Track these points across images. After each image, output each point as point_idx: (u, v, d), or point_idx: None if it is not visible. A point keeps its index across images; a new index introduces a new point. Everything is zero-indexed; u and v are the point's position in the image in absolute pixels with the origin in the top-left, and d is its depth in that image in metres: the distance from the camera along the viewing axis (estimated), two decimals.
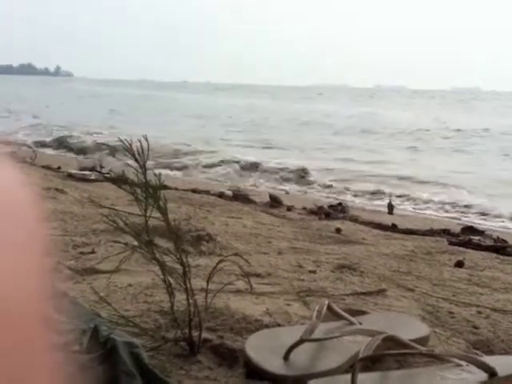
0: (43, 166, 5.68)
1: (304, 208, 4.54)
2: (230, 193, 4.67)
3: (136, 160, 1.48)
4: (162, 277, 1.56)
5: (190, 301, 1.55)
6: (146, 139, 1.50)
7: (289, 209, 4.46)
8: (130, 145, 1.48)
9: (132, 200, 1.59)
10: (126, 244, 1.54)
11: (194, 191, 4.63)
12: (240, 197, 4.59)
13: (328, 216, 4.20)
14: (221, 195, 4.55)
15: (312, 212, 4.37)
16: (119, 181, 1.58)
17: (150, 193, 1.49)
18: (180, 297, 1.65)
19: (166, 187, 4.71)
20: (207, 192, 4.68)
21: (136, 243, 1.57)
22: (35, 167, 5.55)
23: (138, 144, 1.51)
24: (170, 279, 1.56)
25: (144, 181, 1.51)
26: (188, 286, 1.54)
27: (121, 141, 1.48)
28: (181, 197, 4.12)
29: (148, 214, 1.54)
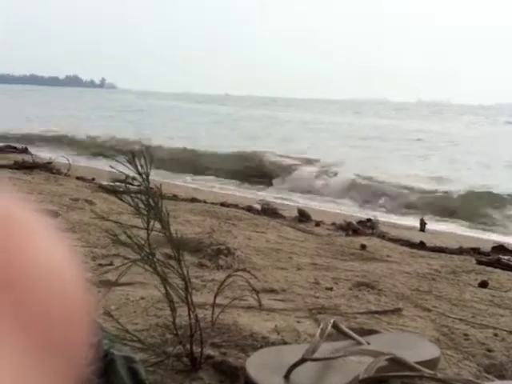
0: (77, 178, 5.75)
1: (333, 223, 4.50)
2: (258, 206, 4.66)
3: (138, 172, 1.48)
4: (164, 291, 1.54)
5: (192, 316, 1.53)
6: (148, 150, 1.50)
7: (317, 224, 4.42)
8: (133, 157, 1.48)
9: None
10: (126, 258, 1.53)
11: (223, 204, 4.63)
12: (268, 211, 4.57)
13: (356, 232, 4.15)
14: (249, 209, 4.54)
15: (340, 227, 4.32)
16: (123, 192, 1.58)
17: (152, 206, 1.48)
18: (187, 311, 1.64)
19: (193, 200, 4.73)
20: (236, 205, 4.67)
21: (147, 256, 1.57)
22: (69, 178, 5.63)
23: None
24: (173, 293, 1.55)
25: (146, 193, 1.50)
26: (189, 300, 1.53)
27: (124, 153, 1.48)
28: (208, 210, 4.12)
29: (154, 226, 1.53)
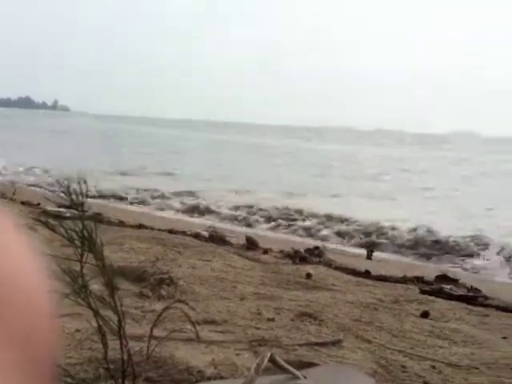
0: (22, 202, 5.64)
1: (281, 251, 4.49)
2: (206, 233, 4.63)
3: (72, 202, 1.45)
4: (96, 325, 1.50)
5: (124, 350, 1.50)
6: (85, 182, 1.47)
7: (265, 252, 4.41)
8: (68, 187, 1.45)
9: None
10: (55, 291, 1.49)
11: (171, 231, 4.59)
12: (216, 238, 4.55)
13: (303, 260, 4.16)
14: (196, 236, 4.51)
15: (288, 255, 4.32)
16: (65, 218, 1.54)
17: (86, 237, 1.45)
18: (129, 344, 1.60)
19: (141, 226, 4.67)
20: (183, 232, 4.63)
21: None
22: (14, 203, 5.51)
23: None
24: (106, 327, 1.51)
25: (81, 225, 1.47)
26: (122, 334, 1.49)
27: (58, 182, 1.45)
28: (155, 237, 4.07)
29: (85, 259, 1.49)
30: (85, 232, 1.47)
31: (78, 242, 1.48)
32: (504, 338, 2.44)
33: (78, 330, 2.00)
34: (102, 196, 8.55)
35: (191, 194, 9.48)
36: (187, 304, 1.78)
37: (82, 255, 1.49)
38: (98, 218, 4.11)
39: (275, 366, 1.64)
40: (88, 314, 2.19)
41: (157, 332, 1.65)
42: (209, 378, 1.66)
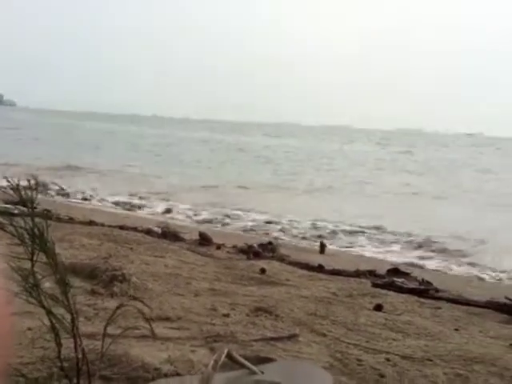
0: None
1: (234, 246, 4.49)
2: (158, 230, 4.58)
3: (23, 200, 1.40)
4: (50, 323, 1.46)
5: (78, 349, 1.46)
6: (36, 179, 1.42)
7: (218, 247, 4.40)
8: (18, 185, 1.40)
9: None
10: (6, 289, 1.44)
11: (122, 227, 4.53)
12: (168, 234, 4.51)
13: (257, 255, 4.16)
14: (148, 232, 4.46)
15: (241, 251, 4.31)
16: (15, 215, 1.49)
17: (37, 235, 1.41)
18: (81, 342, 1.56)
19: (91, 223, 4.60)
20: (135, 228, 4.58)
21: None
22: None
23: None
24: (59, 326, 1.47)
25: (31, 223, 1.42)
26: (76, 333, 1.46)
27: (8, 181, 1.40)
28: (105, 233, 4.01)
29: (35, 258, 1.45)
30: (35, 230, 1.43)
31: (28, 240, 1.43)
32: (456, 329, 2.48)
33: (29, 329, 1.94)
34: None
35: None
36: (142, 301, 1.75)
37: (32, 253, 1.44)
38: (47, 215, 4.03)
39: (232, 362, 1.62)
40: (40, 312, 2.14)
41: (110, 330, 1.61)
42: (165, 375, 1.63)
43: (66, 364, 1.55)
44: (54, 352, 1.74)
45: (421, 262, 5.69)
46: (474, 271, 5.63)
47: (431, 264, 5.73)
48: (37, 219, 1.44)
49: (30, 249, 1.42)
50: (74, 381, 1.49)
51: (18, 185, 1.40)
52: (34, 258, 1.43)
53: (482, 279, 5.27)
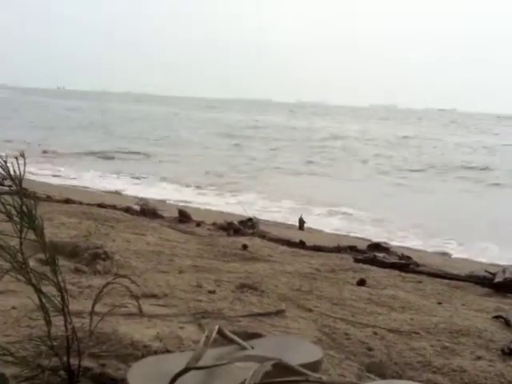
0: None
1: (214, 223, 4.48)
2: (137, 207, 4.55)
3: (11, 178, 1.37)
4: (38, 302, 1.44)
5: (68, 326, 1.45)
6: (23, 155, 1.39)
7: (198, 224, 4.38)
8: (5, 162, 1.37)
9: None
10: None
11: (100, 206, 4.49)
12: (148, 212, 4.48)
13: (237, 232, 4.15)
14: (127, 210, 4.43)
15: (221, 228, 4.30)
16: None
17: (25, 213, 1.38)
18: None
19: (68, 201, 4.55)
20: (114, 207, 4.54)
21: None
22: None
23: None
24: (48, 304, 1.45)
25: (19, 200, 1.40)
26: (66, 311, 1.44)
27: None
28: (84, 212, 3.96)
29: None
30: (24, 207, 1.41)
31: (16, 218, 1.41)
32: (439, 303, 2.51)
33: (14, 308, 1.92)
34: None
35: None
36: (129, 278, 1.74)
37: (21, 231, 1.42)
38: (24, 193, 3.94)
39: (223, 338, 1.62)
40: (24, 291, 2.12)
41: (96, 308, 1.60)
42: (155, 352, 1.62)
43: (54, 343, 1.53)
44: (40, 331, 1.72)
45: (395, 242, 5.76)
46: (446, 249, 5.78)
47: (405, 243, 5.81)
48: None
49: (18, 226, 1.39)
50: (64, 359, 1.47)
51: (5, 161, 1.37)
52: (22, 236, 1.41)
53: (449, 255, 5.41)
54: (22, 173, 1.41)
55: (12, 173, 1.39)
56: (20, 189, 1.40)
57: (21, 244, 1.41)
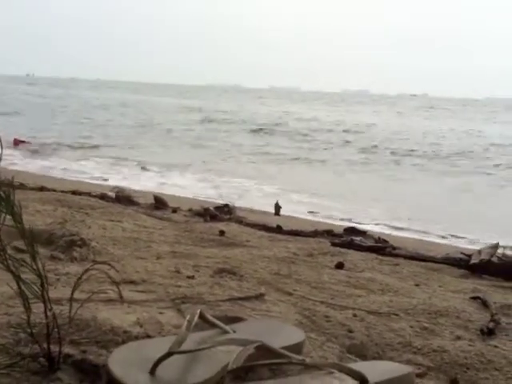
0: None
1: (190, 210, 4.47)
2: (112, 194, 4.52)
3: None
4: (16, 288, 1.42)
5: (48, 313, 1.43)
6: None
7: (174, 210, 4.37)
8: None
9: None
10: None
11: (74, 193, 4.44)
12: (123, 199, 4.45)
13: (214, 218, 4.14)
14: (102, 197, 4.39)
15: (198, 214, 4.30)
16: None
17: (2, 198, 1.35)
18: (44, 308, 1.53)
19: (42, 189, 4.50)
20: (88, 194, 4.50)
21: None
22: None
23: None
24: (27, 291, 1.43)
25: None
26: (46, 297, 1.42)
27: None
28: (58, 199, 3.92)
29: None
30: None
31: None
32: (417, 285, 2.53)
33: None
34: None
35: None
36: (109, 264, 1.72)
37: None
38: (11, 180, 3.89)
39: (204, 322, 1.62)
40: (1, 278, 2.08)
41: (74, 295, 1.57)
42: (136, 338, 1.61)
43: (34, 330, 1.51)
44: (18, 318, 1.70)
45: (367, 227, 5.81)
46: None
47: (377, 228, 5.87)
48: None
49: None
50: (44, 346, 1.45)
51: None
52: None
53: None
54: None
55: None
56: None
57: None
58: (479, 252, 3.11)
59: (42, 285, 1.42)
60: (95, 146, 15.36)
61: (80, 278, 1.55)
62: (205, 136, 19.15)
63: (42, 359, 1.45)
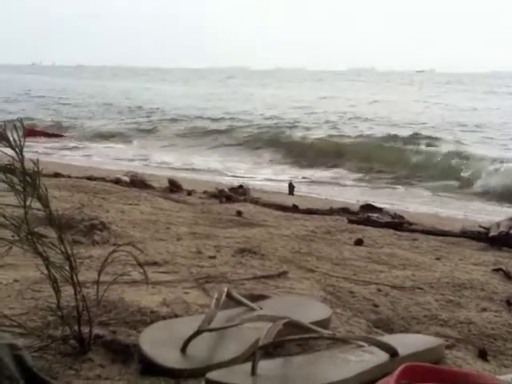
0: None
1: (205, 192, 4.47)
2: (126, 179, 4.53)
3: (11, 146, 1.35)
4: (46, 272, 1.43)
5: (78, 296, 1.44)
6: (21, 122, 1.37)
7: (189, 193, 4.37)
8: (4, 129, 1.35)
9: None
10: (1, 239, 1.40)
11: (89, 178, 4.45)
12: (137, 183, 4.46)
13: (229, 199, 4.14)
14: (117, 181, 4.40)
15: (213, 195, 4.29)
16: None
17: (29, 182, 1.36)
18: (70, 291, 1.54)
19: (57, 175, 4.51)
20: (103, 179, 4.51)
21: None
22: None
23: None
24: (56, 274, 1.44)
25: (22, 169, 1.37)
26: (75, 280, 1.43)
27: None
28: (74, 185, 3.93)
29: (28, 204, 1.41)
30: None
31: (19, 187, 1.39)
32: (437, 259, 2.53)
33: (16, 281, 1.91)
34: None
35: None
36: (134, 246, 1.72)
37: (25, 200, 1.40)
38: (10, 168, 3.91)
39: (231, 300, 1.63)
40: (24, 264, 2.10)
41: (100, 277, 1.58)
42: (163, 318, 1.62)
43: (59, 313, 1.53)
44: (45, 302, 1.71)
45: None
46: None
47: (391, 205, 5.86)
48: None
49: (22, 196, 1.37)
50: (74, 328, 1.46)
51: (4, 129, 1.34)
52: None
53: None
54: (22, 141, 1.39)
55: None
56: (22, 157, 1.37)
57: (25, 213, 1.40)
58: (498, 224, 3.10)
59: (71, 267, 1.43)
60: None
61: (106, 261, 1.56)
62: None
63: (72, 341, 1.47)
